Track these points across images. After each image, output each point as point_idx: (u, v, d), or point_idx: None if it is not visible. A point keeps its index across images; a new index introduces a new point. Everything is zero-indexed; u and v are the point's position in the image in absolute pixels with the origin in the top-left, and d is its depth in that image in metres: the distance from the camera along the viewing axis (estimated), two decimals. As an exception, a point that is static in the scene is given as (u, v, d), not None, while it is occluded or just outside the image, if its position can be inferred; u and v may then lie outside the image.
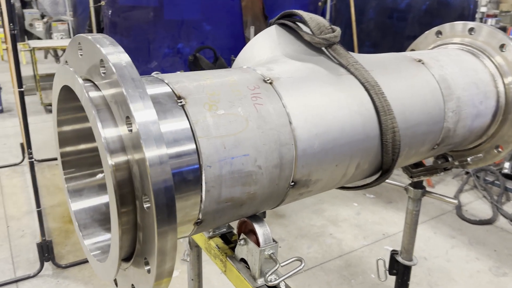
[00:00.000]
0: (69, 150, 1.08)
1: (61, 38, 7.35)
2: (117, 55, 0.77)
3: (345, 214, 4.03)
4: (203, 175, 0.87)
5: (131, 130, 0.74)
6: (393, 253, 2.06)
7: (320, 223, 3.88)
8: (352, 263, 3.34)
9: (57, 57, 8.64)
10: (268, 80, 1.04)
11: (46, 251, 3.04)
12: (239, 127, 0.92)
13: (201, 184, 0.87)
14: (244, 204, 0.98)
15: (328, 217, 3.98)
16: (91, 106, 0.77)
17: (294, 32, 1.29)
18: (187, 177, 0.85)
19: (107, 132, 0.76)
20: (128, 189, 0.77)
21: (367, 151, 1.16)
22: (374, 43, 6.21)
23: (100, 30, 3.71)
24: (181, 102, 0.88)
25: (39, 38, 7.71)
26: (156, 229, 0.73)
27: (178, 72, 1.05)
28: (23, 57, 7.73)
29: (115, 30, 3.73)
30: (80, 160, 1.10)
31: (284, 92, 1.03)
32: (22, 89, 2.53)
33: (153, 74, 1.01)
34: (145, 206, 0.74)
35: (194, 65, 3.64)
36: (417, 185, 1.82)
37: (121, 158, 0.76)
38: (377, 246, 3.55)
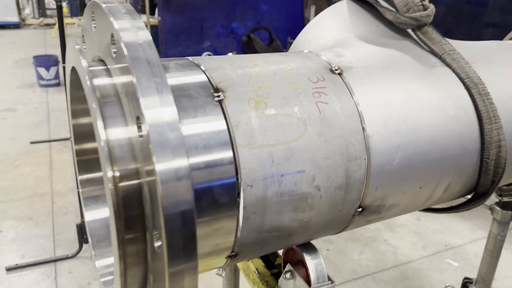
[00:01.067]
0: (86, 147, 0.89)
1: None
2: (133, 31, 0.55)
3: (403, 218, 3.68)
4: (242, 196, 0.63)
5: (141, 135, 0.52)
6: (466, 282, 1.74)
7: (374, 226, 3.56)
8: (409, 275, 3.02)
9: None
10: (336, 69, 0.78)
11: (85, 232, 2.98)
12: (294, 134, 0.67)
13: (238, 209, 0.64)
14: (294, 234, 0.74)
15: (384, 221, 3.65)
16: (92, 97, 0.56)
17: (372, 9, 1.01)
18: (219, 199, 0.62)
19: (112, 134, 0.54)
20: (136, 211, 0.56)
21: (461, 169, 0.88)
22: (446, 31, 5.63)
23: (153, 6, 3.57)
24: (218, 96, 0.65)
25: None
26: (167, 277, 0.51)
27: (225, 55, 0.81)
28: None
29: (168, 7, 3.57)
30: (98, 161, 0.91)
31: (357, 86, 0.77)
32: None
33: (204, 54, 0.79)
34: (155, 245, 0.52)
35: (247, 47, 3.41)
36: (506, 206, 1.49)
37: (128, 170, 0.54)
38: (437, 258, 3.19)
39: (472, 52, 0.99)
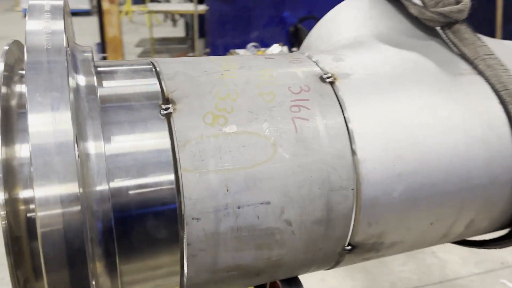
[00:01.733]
0: None
1: (178, 2, 7.42)
2: (44, 33, 0.46)
3: (456, 227, 3.38)
4: (186, 231, 0.53)
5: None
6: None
7: (422, 233, 3.30)
8: (456, 293, 2.76)
9: (174, 21, 8.83)
10: (328, 77, 0.64)
11: None
12: (258, 157, 0.55)
13: (182, 245, 0.54)
14: (263, 273, 0.62)
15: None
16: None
17: (397, 1, 0.85)
18: (154, 232, 0.52)
19: (7, 152, 0.46)
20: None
21: (489, 203, 0.71)
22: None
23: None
24: (167, 108, 0.55)
25: (158, 1, 7.92)
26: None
27: (196, 57, 0.70)
28: (147, 20, 8.04)
29: (216, -5, 3.50)
30: None
31: (351, 99, 0.63)
32: (104, 55, 2.43)
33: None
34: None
35: (295, 37, 3.26)
36: None
37: (16, 195, 0.46)
38: (491, 277, 2.88)
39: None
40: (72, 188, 0.40)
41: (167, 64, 0.61)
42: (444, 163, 0.64)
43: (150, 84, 0.57)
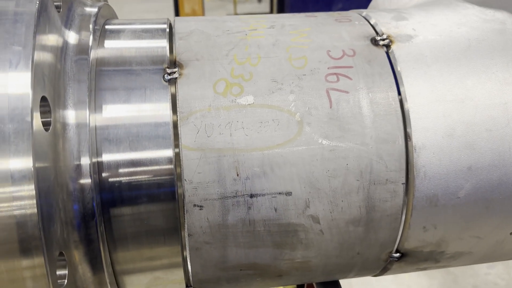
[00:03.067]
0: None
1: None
2: None
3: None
4: (186, 220, 0.44)
5: None
6: None
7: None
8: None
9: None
10: (382, 39, 0.51)
11: None
12: (279, 135, 0.45)
13: (180, 236, 0.45)
14: (287, 275, 0.52)
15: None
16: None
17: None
18: (147, 218, 0.44)
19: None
20: None
21: None
22: None
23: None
24: (172, 73, 0.46)
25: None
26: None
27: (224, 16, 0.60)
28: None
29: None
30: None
31: (410, 67, 0.49)
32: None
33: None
34: None
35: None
36: None
37: None
38: None
39: None
40: (25, 162, 0.33)
41: (186, 22, 0.52)
42: (536, 157, 0.48)
43: (157, 46, 0.48)
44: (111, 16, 0.59)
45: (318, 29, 0.52)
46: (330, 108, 0.46)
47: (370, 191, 0.46)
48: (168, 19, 0.54)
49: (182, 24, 0.52)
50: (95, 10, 0.49)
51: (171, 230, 0.45)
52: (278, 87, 0.46)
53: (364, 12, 0.57)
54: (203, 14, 4.46)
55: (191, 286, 0.50)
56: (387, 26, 0.53)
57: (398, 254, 0.51)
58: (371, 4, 0.80)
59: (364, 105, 0.46)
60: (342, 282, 0.60)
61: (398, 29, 0.52)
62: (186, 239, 0.45)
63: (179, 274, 0.48)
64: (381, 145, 0.46)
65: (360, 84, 0.47)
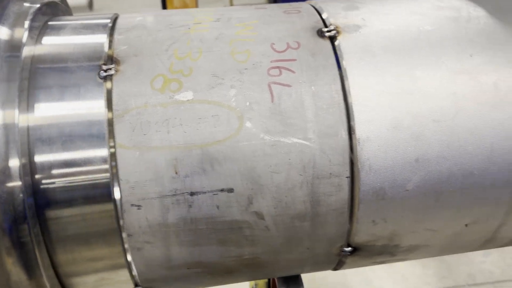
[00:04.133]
0: None
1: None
2: None
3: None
4: (124, 220, 0.44)
5: None
6: None
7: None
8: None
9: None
10: (329, 31, 0.50)
11: None
12: (219, 131, 0.44)
13: (120, 236, 0.45)
14: (237, 272, 0.51)
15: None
16: None
17: None
18: (84, 220, 0.43)
19: None
20: None
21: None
22: None
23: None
24: (108, 70, 0.45)
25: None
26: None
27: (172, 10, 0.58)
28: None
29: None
30: None
31: (356, 59, 0.47)
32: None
33: None
34: None
35: None
36: None
37: None
38: None
39: None
40: None
41: (129, 18, 0.51)
42: (485, 147, 0.47)
43: (95, 42, 0.47)
44: (64, 13, 0.58)
45: (264, 21, 0.51)
46: (272, 102, 0.45)
47: (314, 185, 0.45)
48: (115, 14, 0.53)
49: (124, 20, 0.50)
50: (35, 7, 0.48)
51: (111, 231, 0.44)
52: (219, 82, 0.45)
53: (316, 2, 0.56)
54: (196, 3, 4.38)
55: (139, 285, 0.49)
56: (336, 17, 0.52)
57: (349, 249, 0.51)
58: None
59: (306, 98, 0.45)
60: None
61: (347, 20, 0.51)
62: (126, 239, 0.44)
63: (124, 274, 0.48)
64: (324, 139, 0.45)
65: (303, 77, 0.46)
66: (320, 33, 0.49)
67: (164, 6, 2.28)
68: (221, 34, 0.49)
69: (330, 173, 0.45)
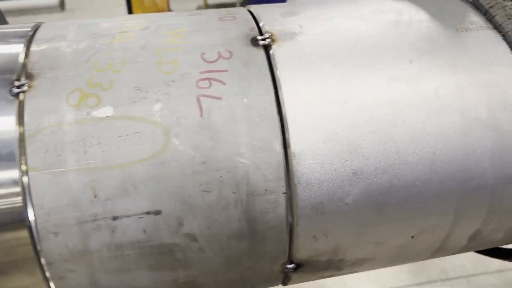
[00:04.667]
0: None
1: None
2: None
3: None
4: (42, 248, 0.40)
5: None
6: None
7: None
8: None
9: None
10: (263, 39, 0.47)
11: None
12: (142, 150, 0.41)
13: (40, 265, 0.41)
14: None
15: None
16: None
17: None
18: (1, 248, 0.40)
19: None
20: None
21: (503, 209, 0.51)
22: None
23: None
24: (20, 86, 0.41)
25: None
26: None
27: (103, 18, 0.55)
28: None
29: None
30: None
31: (291, 68, 0.45)
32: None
33: None
34: None
35: None
36: None
37: None
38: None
39: None
40: None
41: (51, 27, 0.48)
42: (426, 156, 0.46)
43: (10, 54, 0.44)
44: None
45: (196, 29, 0.48)
46: (201, 116, 0.42)
47: (249, 203, 0.43)
48: (39, 23, 0.49)
49: (45, 30, 0.47)
50: None
51: (30, 259, 0.41)
52: (142, 95, 0.42)
53: (255, 8, 0.54)
54: (167, 6, 4.30)
55: None
56: (272, 24, 0.49)
57: (292, 265, 0.48)
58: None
59: (238, 111, 0.43)
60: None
61: (283, 26, 0.49)
62: (47, 268, 0.41)
63: (49, 305, 0.44)
64: (258, 153, 0.42)
65: (234, 89, 0.43)
66: (254, 42, 0.47)
67: (129, 6, 2.21)
68: (147, 43, 0.46)
69: (266, 190, 0.43)
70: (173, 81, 0.43)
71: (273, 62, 0.46)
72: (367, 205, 0.46)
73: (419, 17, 0.51)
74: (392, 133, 0.45)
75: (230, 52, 0.46)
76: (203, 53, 0.45)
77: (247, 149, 0.42)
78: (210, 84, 0.43)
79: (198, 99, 0.42)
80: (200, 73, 0.44)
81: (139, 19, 0.50)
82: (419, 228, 0.49)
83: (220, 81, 0.44)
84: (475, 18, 0.52)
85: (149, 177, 0.41)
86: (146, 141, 0.41)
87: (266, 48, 0.47)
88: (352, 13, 0.52)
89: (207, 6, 6.67)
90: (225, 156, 0.42)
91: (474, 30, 0.51)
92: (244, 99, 0.43)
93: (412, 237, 0.50)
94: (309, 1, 0.56)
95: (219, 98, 0.43)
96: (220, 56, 0.45)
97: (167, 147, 0.41)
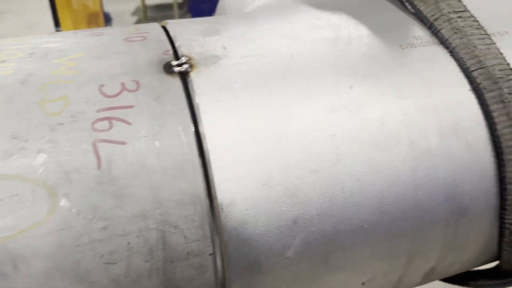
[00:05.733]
0: None
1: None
2: None
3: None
4: None
5: None
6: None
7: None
8: None
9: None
10: (179, 65, 0.39)
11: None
12: (21, 219, 0.31)
13: None
14: None
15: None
16: None
17: None
18: None
19: None
20: None
21: (459, 243, 0.46)
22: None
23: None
24: None
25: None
26: None
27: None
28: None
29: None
30: None
31: (213, 100, 0.37)
32: (59, 29, 2.16)
33: None
34: None
35: None
36: None
37: None
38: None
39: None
40: None
41: None
42: (374, 195, 0.40)
43: None
44: None
45: (95, 54, 0.39)
46: (99, 168, 0.33)
47: (167, 272, 0.35)
48: None
49: None
50: None
51: None
52: (20, 146, 0.33)
53: (171, 25, 0.45)
54: (100, 8, 4.08)
55: None
56: (191, 44, 0.41)
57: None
58: (219, 5, 0.69)
59: (148, 158, 0.34)
60: None
61: (204, 48, 0.41)
62: None
63: None
64: (175, 209, 0.34)
65: (142, 130, 0.35)
66: (168, 68, 0.39)
67: (54, 9, 2.02)
68: (30, 75, 0.36)
69: (188, 253, 0.35)
70: (61, 124, 0.34)
71: (191, 93, 0.38)
72: (311, 257, 0.39)
73: (359, 32, 0.45)
74: (335, 171, 0.38)
75: (137, 83, 0.37)
76: (102, 86, 0.36)
77: (161, 205, 0.34)
78: (111, 125, 0.35)
79: (94, 146, 0.34)
80: (98, 111, 0.35)
81: (23, 43, 0.40)
82: (370, 274, 0.43)
83: (124, 121, 0.35)
84: (420, 33, 0.47)
85: (32, 252, 0.31)
86: (26, 206, 0.31)
87: (183, 75, 0.38)
88: (285, 31, 0.45)
89: (145, 8, 6.44)
90: (132, 216, 0.33)
91: (419, 46, 0.45)
92: (156, 142, 0.35)
93: (363, 283, 0.44)
94: (235, 15, 0.48)
95: (123, 143, 0.34)
96: (124, 88, 0.36)
97: (54, 212, 0.32)
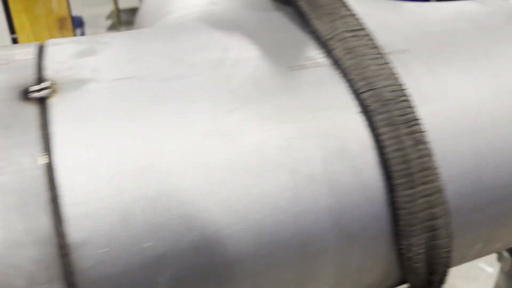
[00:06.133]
0: None
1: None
2: None
3: None
4: None
5: None
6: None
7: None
8: None
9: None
10: (38, 90, 0.36)
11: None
12: None
13: None
14: None
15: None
16: None
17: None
18: None
19: None
20: None
21: (353, 271, 0.45)
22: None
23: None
24: None
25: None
26: None
27: None
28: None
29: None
30: None
31: (73, 129, 0.35)
32: (15, 36, 2.10)
33: None
34: None
35: None
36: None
37: None
38: (470, 263, 2.67)
39: (419, 27, 0.52)
40: None
41: None
42: (252, 227, 0.38)
43: None
44: None
45: None
46: None
47: (10, 318, 0.32)
48: None
49: None
50: None
51: None
52: None
53: (52, 43, 0.43)
54: (68, 13, 3.96)
55: None
56: (60, 67, 0.39)
57: None
58: (139, 17, 0.66)
59: (-12, 195, 0.32)
60: None
61: (73, 71, 0.39)
62: None
63: None
64: (19, 250, 0.32)
65: (-15, 164, 0.32)
66: (25, 95, 0.36)
67: (8, 14, 1.95)
68: None
69: (32, 304, 0.32)
70: None
71: (48, 122, 0.35)
72: (185, 293, 0.37)
73: (248, 54, 0.44)
74: (208, 202, 0.36)
75: (-15, 111, 0.34)
76: None
77: (3, 246, 0.31)
78: None
79: None
80: None
81: None
82: (257, 307, 0.41)
83: (-35, 156, 0.32)
84: (313, 53, 0.45)
85: None
86: None
87: (43, 102, 0.36)
88: (169, 51, 0.43)
89: (118, 11, 6.36)
90: (-33, 260, 0.31)
91: (310, 67, 0.44)
92: (3, 176, 0.32)
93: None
94: (124, 33, 0.46)
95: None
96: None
97: None
